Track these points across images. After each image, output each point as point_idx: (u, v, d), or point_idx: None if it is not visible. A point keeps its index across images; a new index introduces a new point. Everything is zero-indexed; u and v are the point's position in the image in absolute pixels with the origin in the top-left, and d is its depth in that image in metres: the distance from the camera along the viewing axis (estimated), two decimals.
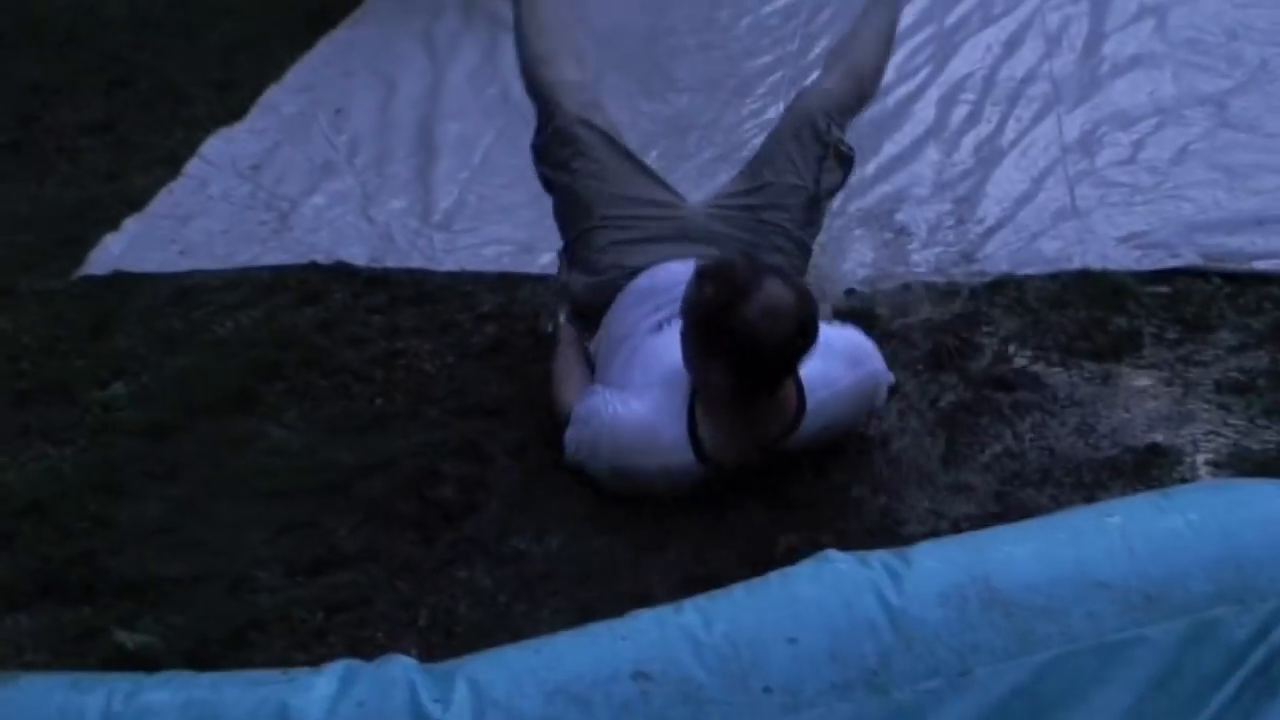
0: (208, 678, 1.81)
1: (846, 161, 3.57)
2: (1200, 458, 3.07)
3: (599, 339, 3.32)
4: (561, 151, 3.53)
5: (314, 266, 4.12)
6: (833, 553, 2.01)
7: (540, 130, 3.63)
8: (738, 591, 2.03)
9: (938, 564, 1.87)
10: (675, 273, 3.13)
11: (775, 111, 4.81)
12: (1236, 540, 1.90)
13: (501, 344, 3.72)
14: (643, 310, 3.20)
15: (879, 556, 1.93)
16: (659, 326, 3.13)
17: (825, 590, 1.88)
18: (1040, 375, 3.41)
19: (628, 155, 3.56)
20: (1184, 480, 3.00)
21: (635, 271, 3.31)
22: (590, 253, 3.42)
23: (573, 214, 3.50)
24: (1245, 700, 1.81)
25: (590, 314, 3.38)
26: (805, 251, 3.46)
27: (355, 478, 3.23)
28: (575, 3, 3.56)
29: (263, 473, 3.29)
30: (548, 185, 3.60)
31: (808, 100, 3.65)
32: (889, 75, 4.81)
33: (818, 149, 3.49)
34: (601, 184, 3.46)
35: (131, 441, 3.43)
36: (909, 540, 2.78)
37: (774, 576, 2.10)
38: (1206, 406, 3.25)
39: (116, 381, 3.67)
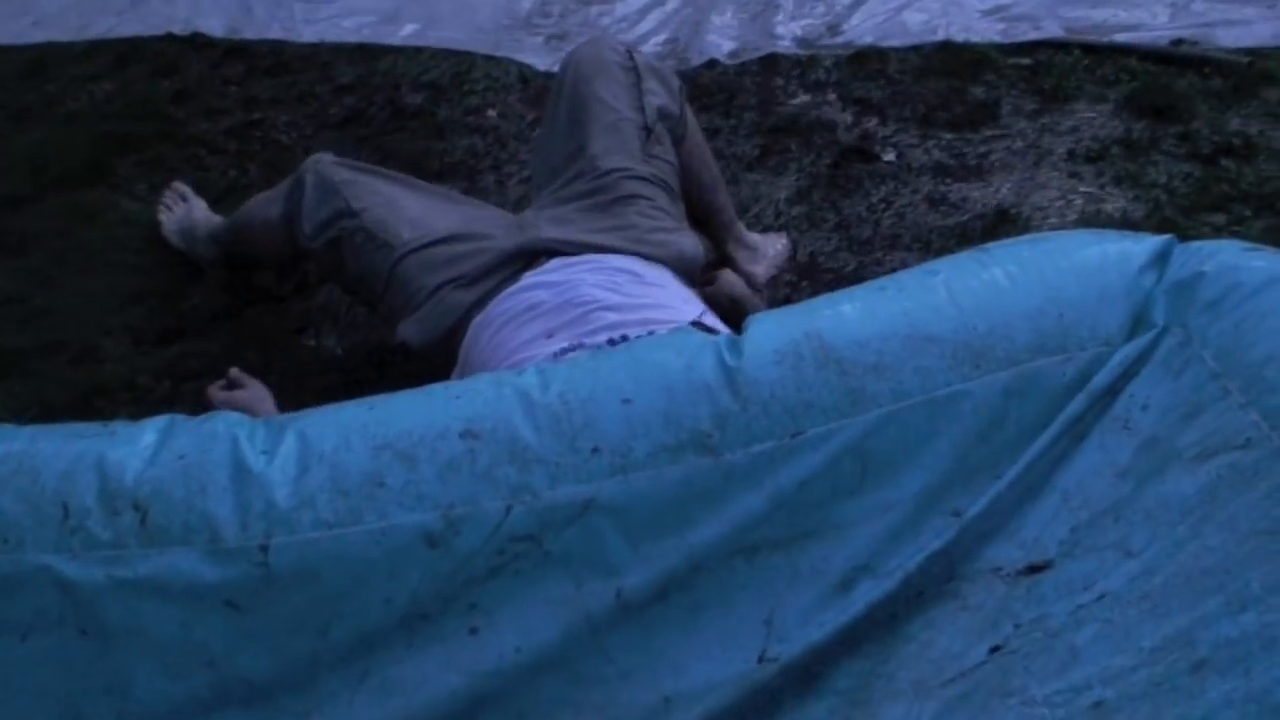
0: (26, 431, 1.79)
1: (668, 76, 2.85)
2: (1048, 223, 3.10)
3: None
4: (329, 203, 2.64)
5: (170, 37, 4.03)
6: (687, 324, 2.01)
7: (289, 198, 2.72)
8: (582, 356, 2.03)
9: (773, 325, 1.87)
10: (563, 307, 2.37)
11: None
12: (1056, 290, 1.91)
13: (359, 114, 3.67)
14: (526, 336, 2.36)
15: (725, 335, 1.93)
16: (557, 356, 2.26)
17: (667, 353, 1.87)
18: (897, 145, 3.42)
19: (414, 183, 2.75)
20: None
21: (482, 303, 2.48)
22: (411, 289, 2.54)
23: (370, 262, 2.59)
24: (1059, 447, 1.84)
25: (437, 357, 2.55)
26: (669, 190, 2.70)
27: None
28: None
29: (113, 244, 3.25)
30: (329, 259, 2.67)
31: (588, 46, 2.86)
32: None
33: (627, 77, 2.75)
34: (392, 211, 2.61)
35: None
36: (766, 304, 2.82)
37: (621, 344, 2.10)
38: (1058, 174, 3.27)
39: None
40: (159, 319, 3.00)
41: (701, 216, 2.89)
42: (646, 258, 2.50)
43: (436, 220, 2.59)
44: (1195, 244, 1.95)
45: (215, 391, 2.52)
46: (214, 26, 4.08)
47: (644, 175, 2.64)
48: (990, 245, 2.03)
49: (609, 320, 2.27)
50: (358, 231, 2.59)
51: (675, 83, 2.80)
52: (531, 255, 2.50)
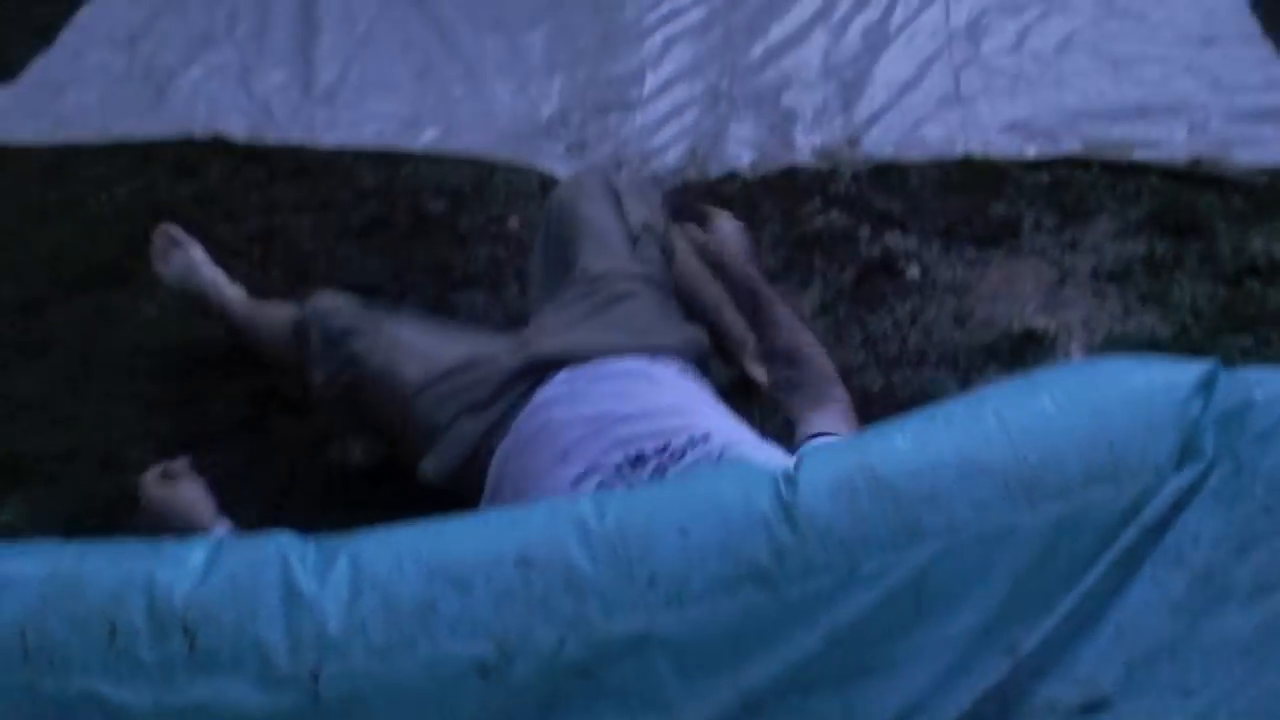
0: (72, 548, 1.77)
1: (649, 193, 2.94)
2: (1075, 344, 3.11)
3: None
4: (336, 355, 2.66)
5: (191, 139, 4.04)
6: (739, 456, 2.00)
7: (298, 343, 2.77)
8: (638, 486, 2.02)
9: (826, 458, 1.86)
10: (574, 423, 2.34)
11: None
12: (1105, 419, 1.91)
13: (381, 221, 3.68)
14: (544, 460, 2.32)
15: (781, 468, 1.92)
16: (577, 483, 2.24)
17: (723, 484, 1.86)
18: (921, 260, 3.42)
19: (415, 319, 2.76)
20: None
21: (499, 427, 2.48)
22: (428, 426, 2.53)
23: (385, 406, 2.60)
24: (1112, 580, 1.83)
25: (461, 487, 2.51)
26: (663, 287, 2.72)
27: (231, 355, 3.18)
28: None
29: (136, 349, 3.25)
30: (344, 406, 2.70)
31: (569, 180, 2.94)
32: None
33: (608, 196, 2.79)
34: (398, 352, 2.60)
35: (3, 317, 3.36)
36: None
37: (673, 472, 2.10)
38: (1083, 294, 3.28)
39: None
40: (182, 426, 2.99)
41: (713, 335, 2.89)
42: (653, 352, 2.50)
43: (443, 353, 2.59)
44: (1241, 372, 1.96)
45: (151, 482, 2.44)
46: (235, 129, 4.09)
47: (636, 273, 2.66)
48: (1036, 373, 2.02)
49: (621, 435, 2.26)
50: (368, 379, 2.60)
51: (656, 198, 2.83)
52: (539, 370, 2.49)
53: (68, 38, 4.63)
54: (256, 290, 3.39)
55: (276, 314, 2.94)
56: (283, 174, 3.88)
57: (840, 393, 2.48)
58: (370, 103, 4.23)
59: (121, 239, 3.60)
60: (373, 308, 2.74)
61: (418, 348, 2.61)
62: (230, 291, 3.15)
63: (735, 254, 2.76)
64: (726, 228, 2.85)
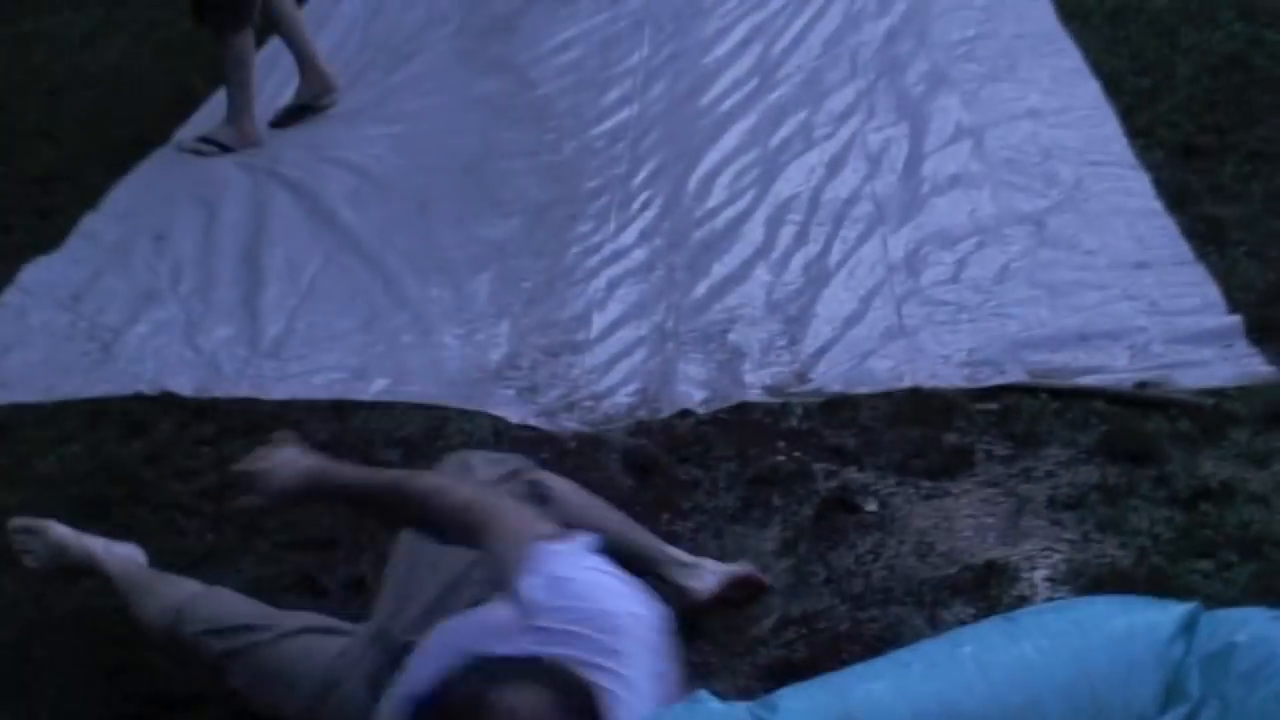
0: None
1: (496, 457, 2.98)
2: (1038, 574, 3.11)
3: None
4: (215, 671, 2.76)
5: (139, 397, 4.04)
6: (704, 693, 1.97)
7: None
8: None
9: (804, 704, 1.84)
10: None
11: (603, 234, 4.84)
12: (1086, 663, 1.91)
13: None
14: None
15: (747, 706, 1.89)
16: None
17: None
18: (879, 494, 3.44)
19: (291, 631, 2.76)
20: (1023, 597, 3.04)
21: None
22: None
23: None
24: None
25: None
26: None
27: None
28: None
29: (90, 612, 3.19)
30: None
31: None
32: (718, 196, 4.92)
33: (456, 471, 2.88)
34: (276, 683, 2.68)
35: None
36: (762, 665, 2.80)
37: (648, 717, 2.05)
38: (1041, 523, 3.30)
39: None
40: (140, 693, 2.93)
41: (630, 562, 2.85)
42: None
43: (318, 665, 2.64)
44: (1221, 612, 1.97)
45: None
46: (183, 385, 4.09)
47: None
48: (1016, 614, 2.03)
49: None
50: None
51: (506, 458, 2.94)
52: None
53: (10, 298, 4.63)
54: (211, 550, 3.37)
55: (153, 604, 2.91)
56: (233, 429, 3.87)
57: None
58: (318, 354, 4.25)
59: (72, 501, 3.56)
60: (250, 626, 2.74)
61: (298, 669, 2.65)
62: (112, 561, 3.14)
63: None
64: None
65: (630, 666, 2.01)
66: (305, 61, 5.96)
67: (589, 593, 2.07)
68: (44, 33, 7.37)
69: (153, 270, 4.77)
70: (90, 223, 5.13)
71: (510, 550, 2.16)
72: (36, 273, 4.77)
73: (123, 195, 5.35)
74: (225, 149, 5.65)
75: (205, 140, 5.70)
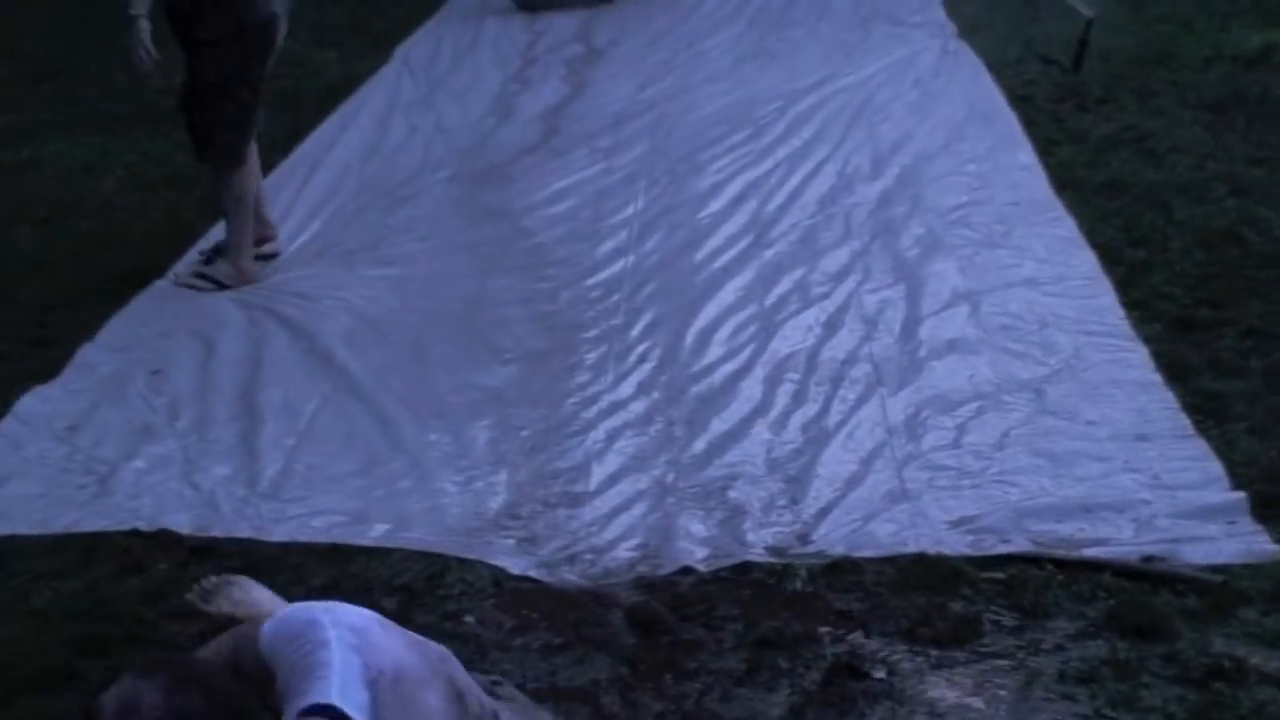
0: None
1: None
2: None
3: None
4: None
5: (136, 534, 3.99)
6: None
7: None
8: None
9: None
10: None
11: (601, 385, 4.85)
12: None
13: None
14: None
15: None
16: None
17: None
18: (887, 662, 3.41)
19: None
20: None
21: None
22: None
23: None
24: None
25: None
26: None
27: None
28: None
29: None
30: None
31: None
32: (716, 351, 4.94)
33: None
34: None
35: None
36: None
37: None
38: (1051, 697, 3.27)
39: None
40: None
41: None
42: None
43: None
44: None
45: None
46: (181, 523, 4.05)
47: None
48: None
49: None
50: None
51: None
52: None
53: (6, 428, 4.60)
54: None
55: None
56: (231, 570, 3.80)
57: None
58: (317, 496, 4.22)
59: (68, 639, 3.51)
60: None
61: None
62: None
63: None
64: None
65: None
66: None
67: None
68: (40, 161, 7.41)
69: (149, 405, 4.75)
70: (87, 354, 5.12)
71: None
72: (33, 403, 4.74)
73: (119, 327, 5.34)
74: (222, 286, 5.66)
75: (202, 276, 5.70)
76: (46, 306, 5.53)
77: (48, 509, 4.14)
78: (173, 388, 4.88)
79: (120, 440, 4.52)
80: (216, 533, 4.02)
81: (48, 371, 4.94)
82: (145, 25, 5.34)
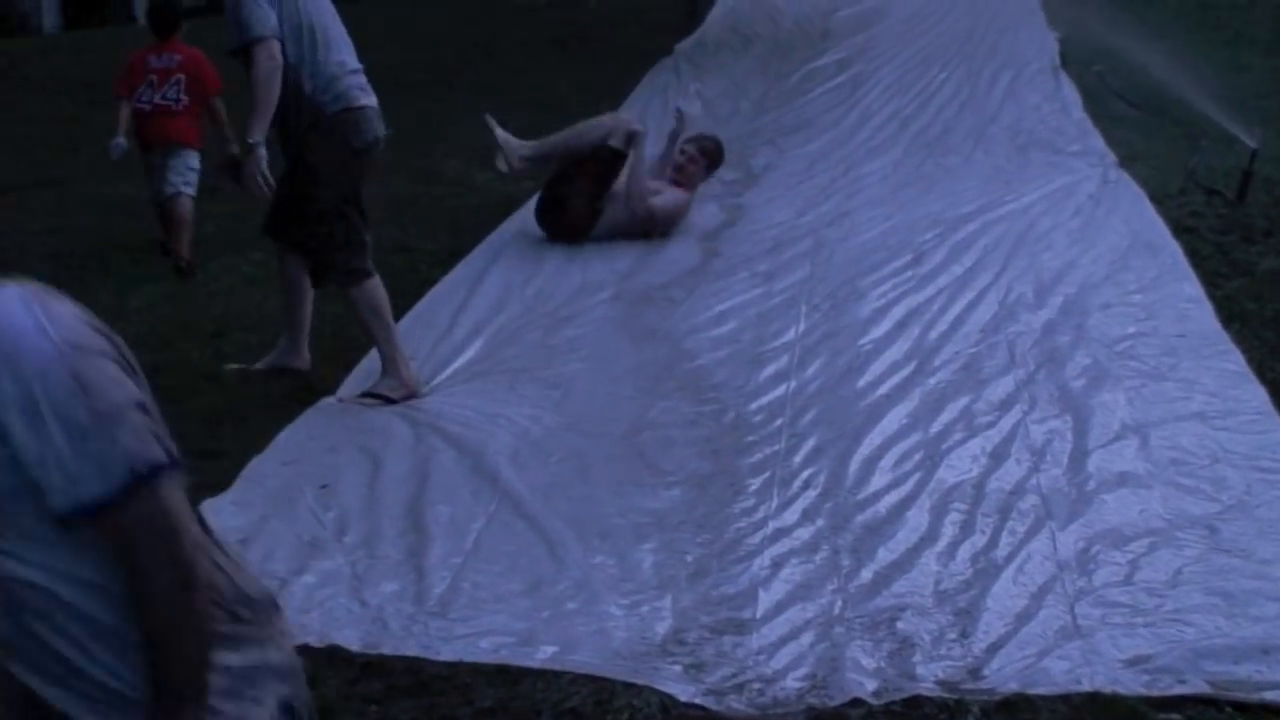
0: None
1: None
2: None
3: None
4: None
5: (306, 649, 4.00)
6: None
7: None
8: None
9: None
10: None
11: (765, 511, 4.83)
12: None
13: None
14: None
15: None
16: None
17: None
18: None
19: None
20: None
21: None
22: None
23: None
24: None
25: None
26: None
27: None
28: None
29: None
30: None
31: None
32: (880, 479, 4.90)
33: None
34: None
35: None
36: None
37: None
38: None
39: None
40: None
41: None
42: None
43: None
44: None
45: None
46: (350, 639, 4.07)
47: None
48: None
49: None
50: None
51: None
52: None
53: None
54: None
55: None
56: (400, 689, 3.84)
57: None
58: (484, 616, 4.23)
59: None
60: None
61: None
62: None
63: None
64: None
65: None
66: (297, 330, 6.08)
67: None
68: (207, 276, 7.57)
69: (318, 519, 4.81)
70: (256, 467, 5.19)
71: None
72: (205, 515, 4.79)
73: (288, 441, 5.42)
74: (389, 400, 5.73)
75: (368, 395, 5.78)
76: (216, 419, 5.63)
77: None
78: (341, 502, 4.94)
79: (290, 554, 4.57)
80: (385, 650, 4.03)
81: (219, 485, 5.01)
82: (263, 154, 5.51)
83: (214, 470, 5.14)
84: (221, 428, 5.56)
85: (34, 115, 13.52)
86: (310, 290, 6.10)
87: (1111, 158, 8.91)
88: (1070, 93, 10.39)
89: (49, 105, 14.04)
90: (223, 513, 4.83)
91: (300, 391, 5.82)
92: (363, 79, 5.83)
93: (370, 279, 5.78)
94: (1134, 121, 9.98)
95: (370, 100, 5.82)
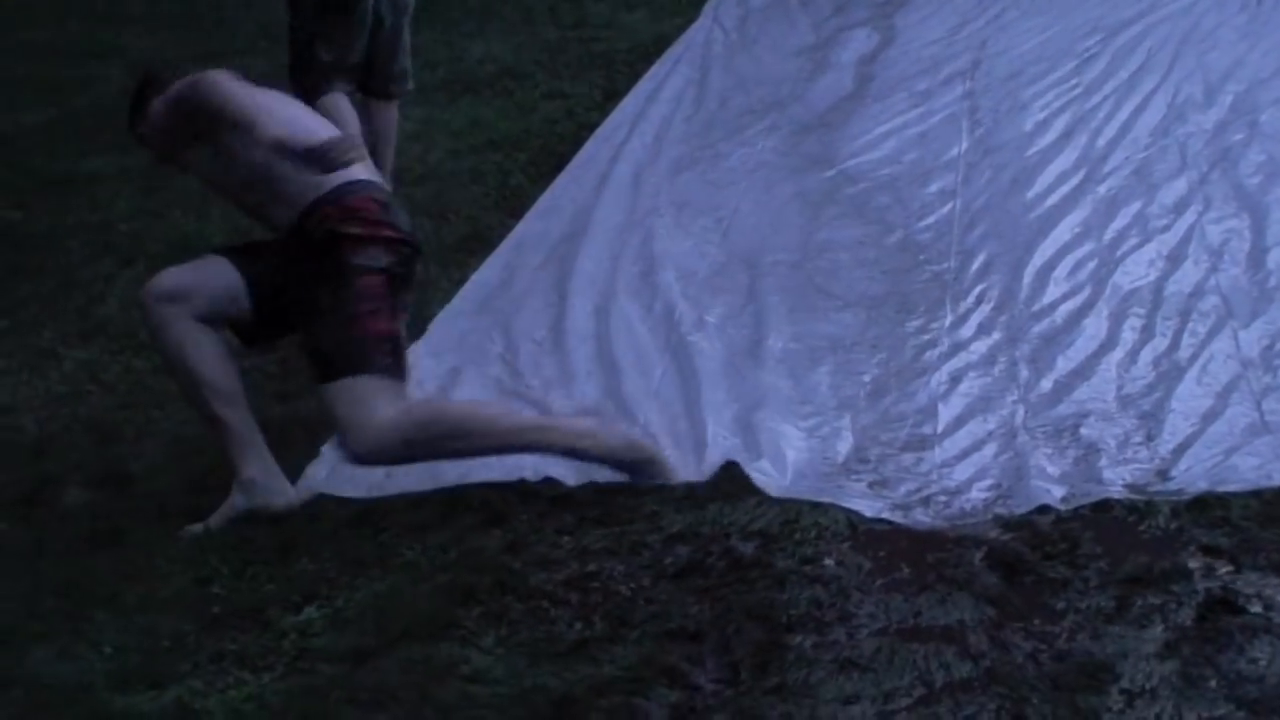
0: None
1: None
2: None
3: None
4: None
5: (491, 485, 4.07)
6: None
7: None
8: None
9: None
10: None
11: (940, 328, 4.81)
12: None
13: (695, 566, 3.65)
14: None
15: None
16: None
17: None
18: (1263, 595, 3.31)
19: None
20: None
21: None
22: None
23: None
24: None
25: None
26: None
27: (563, 707, 3.15)
28: None
29: (468, 700, 3.22)
30: None
31: None
32: (1055, 289, 4.84)
33: None
34: None
35: (332, 667, 3.37)
36: None
37: None
38: None
39: (309, 605, 3.64)
40: None
41: None
42: None
43: None
44: None
45: None
46: (563, 474, 4.09)
47: None
48: None
49: None
50: None
51: None
52: None
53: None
54: (581, 640, 3.38)
55: None
56: (590, 520, 3.90)
57: None
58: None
59: (441, 589, 3.62)
60: None
61: None
62: None
63: None
64: None
65: None
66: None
67: None
68: None
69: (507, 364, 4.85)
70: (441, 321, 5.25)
71: None
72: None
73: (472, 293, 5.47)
74: None
75: None
76: None
77: (435, 466, 4.13)
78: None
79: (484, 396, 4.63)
80: (570, 483, 4.08)
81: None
82: None
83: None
84: None
85: None
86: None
87: None
88: None
89: None
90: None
91: (469, 241, 5.88)
92: None
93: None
94: None
95: None
